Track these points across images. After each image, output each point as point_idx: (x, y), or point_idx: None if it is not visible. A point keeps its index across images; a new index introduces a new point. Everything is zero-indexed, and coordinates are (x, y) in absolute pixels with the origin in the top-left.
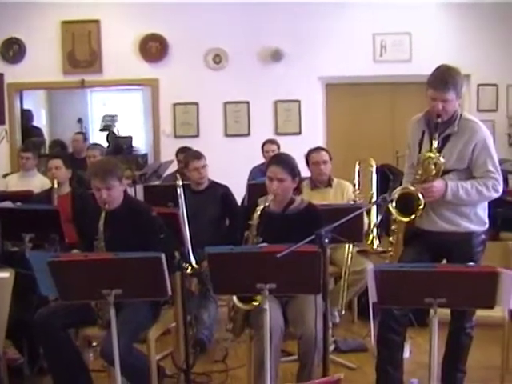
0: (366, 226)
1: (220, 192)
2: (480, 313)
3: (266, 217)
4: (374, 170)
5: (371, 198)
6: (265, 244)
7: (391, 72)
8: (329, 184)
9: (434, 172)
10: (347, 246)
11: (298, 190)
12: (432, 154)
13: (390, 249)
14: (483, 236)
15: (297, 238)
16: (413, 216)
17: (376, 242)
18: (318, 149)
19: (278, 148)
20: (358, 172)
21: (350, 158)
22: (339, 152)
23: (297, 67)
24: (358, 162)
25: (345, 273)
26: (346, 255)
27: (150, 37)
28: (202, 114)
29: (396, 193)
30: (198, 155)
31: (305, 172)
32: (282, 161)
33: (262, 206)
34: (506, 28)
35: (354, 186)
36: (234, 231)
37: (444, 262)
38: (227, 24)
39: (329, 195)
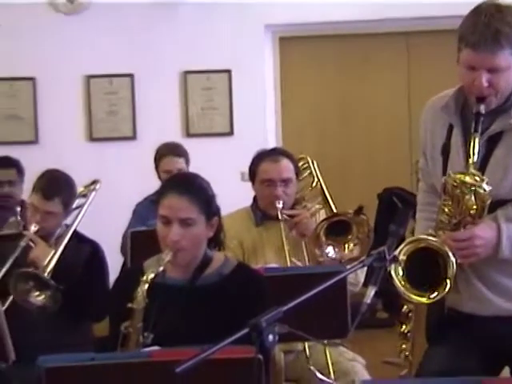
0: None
1: (83, 252)
2: None
3: (161, 293)
4: None
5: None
6: (156, 347)
7: (401, 13)
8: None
9: (474, 208)
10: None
11: (217, 242)
12: (469, 178)
13: (403, 346)
14: None
15: (217, 331)
16: (435, 294)
17: None
18: (274, 153)
19: (187, 163)
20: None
21: (326, 170)
22: None
23: (225, 9)
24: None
25: None
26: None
27: None
28: (42, 100)
29: (403, 249)
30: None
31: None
32: (189, 188)
33: (151, 275)
34: None
35: None
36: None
37: (506, 371)
38: None
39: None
